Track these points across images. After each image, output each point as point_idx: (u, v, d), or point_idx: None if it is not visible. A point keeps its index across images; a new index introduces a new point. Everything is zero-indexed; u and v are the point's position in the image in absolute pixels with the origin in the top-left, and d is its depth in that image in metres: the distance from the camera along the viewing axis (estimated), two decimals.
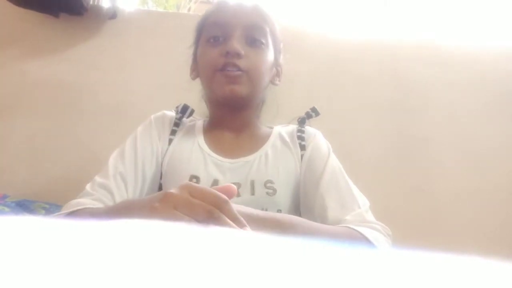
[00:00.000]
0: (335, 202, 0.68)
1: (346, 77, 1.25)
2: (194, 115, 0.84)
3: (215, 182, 0.71)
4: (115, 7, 1.21)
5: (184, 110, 0.80)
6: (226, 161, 0.76)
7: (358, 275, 0.18)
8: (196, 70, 0.83)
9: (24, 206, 0.95)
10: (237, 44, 0.72)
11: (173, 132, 0.79)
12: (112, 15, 1.21)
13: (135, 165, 0.73)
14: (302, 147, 0.77)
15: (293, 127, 0.82)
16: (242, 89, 0.74)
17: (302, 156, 0.76)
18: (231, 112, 0.79)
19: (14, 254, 0.18)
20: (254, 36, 0.75)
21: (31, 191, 1.11)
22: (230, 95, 0.74)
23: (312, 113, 0.83)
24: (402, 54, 1.26)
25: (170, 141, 0.77)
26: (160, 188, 0.75)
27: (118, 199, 0.67)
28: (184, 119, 0.82)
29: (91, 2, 1.21)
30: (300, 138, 0.79)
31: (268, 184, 0.73)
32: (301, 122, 0.83)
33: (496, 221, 1.17)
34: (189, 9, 1.69)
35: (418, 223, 1.17)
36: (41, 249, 0.18)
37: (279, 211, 0.70)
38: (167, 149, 0.76)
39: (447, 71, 1.26)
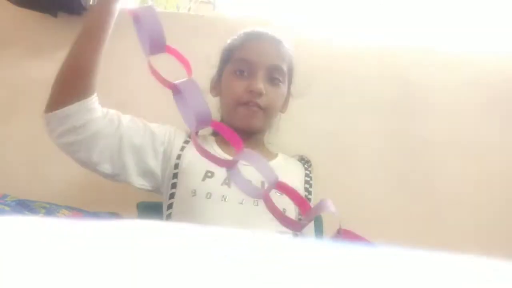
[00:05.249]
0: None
1: (346, 79, 1.25)
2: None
3: (227, 178, 0.76)
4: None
5: None
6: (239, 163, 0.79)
7: (357, 275, 0.18)
8: (218, 90, 0.93)
9: (24, 205, 0.95)
10: (261, 84, 0.81)
11: (186, 142, 0.84)
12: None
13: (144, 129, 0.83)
14: (309, 189, 0.88)
15: (300, 164, 0.93)
16: (258, 123, 0.85)
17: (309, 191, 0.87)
18: (244, 135, 0.88)
19: (14, 254, 0.18)
20: (273, 76, 0.84)
21: (31, 191, 1.10)
22: (247, 127, 0.85)
23: (309, 162, 0.96)
24: (402, 56, 1.27)
25: (183, 148, 0.82)
26: (174, 186, 0.80)
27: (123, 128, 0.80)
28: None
29: (90, 2, 1.21)
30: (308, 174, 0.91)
31: None
32: (301, 160, 0.95)
33: (496, 221, 1.17)
34: (189, 9, 1.69)
35: (418, 223, 1.17)
36: (41, 249, 0.18)
37: (284, 210, 0.74)
38: (181, 155, 0.82)
39: (446, 73, 1.26)
